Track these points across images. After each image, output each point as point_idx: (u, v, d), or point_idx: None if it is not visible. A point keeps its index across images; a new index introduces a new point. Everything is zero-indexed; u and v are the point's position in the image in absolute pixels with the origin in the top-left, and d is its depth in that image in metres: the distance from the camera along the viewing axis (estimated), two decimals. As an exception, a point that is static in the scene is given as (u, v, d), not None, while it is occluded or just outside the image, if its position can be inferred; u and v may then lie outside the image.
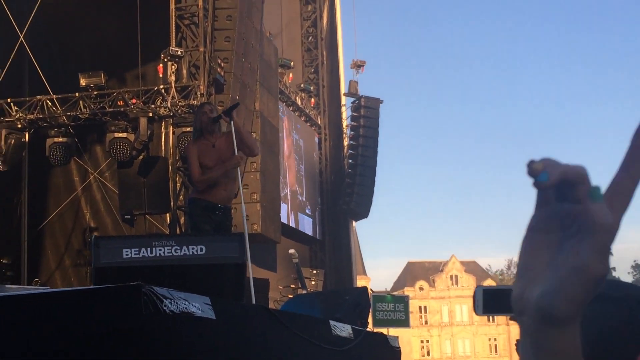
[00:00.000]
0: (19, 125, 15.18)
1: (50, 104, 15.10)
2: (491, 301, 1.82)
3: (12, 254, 15.74)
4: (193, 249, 4.57)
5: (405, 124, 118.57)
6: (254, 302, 5.87)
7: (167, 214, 14.82)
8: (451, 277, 69.83)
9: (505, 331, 66.07)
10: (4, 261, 15.25)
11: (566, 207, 0.79)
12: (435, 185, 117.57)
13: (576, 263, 0.76)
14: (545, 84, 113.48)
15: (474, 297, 1.84)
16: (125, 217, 14.54)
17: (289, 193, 20.88)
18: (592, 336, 1.62)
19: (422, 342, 68.17)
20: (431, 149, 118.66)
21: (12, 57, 15.25)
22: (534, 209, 0.82)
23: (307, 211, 22.98)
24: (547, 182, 0.78)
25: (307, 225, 22.90)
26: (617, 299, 1.66)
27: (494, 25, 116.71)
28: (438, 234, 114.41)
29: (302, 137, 23.29)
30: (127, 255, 4.43)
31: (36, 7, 15.25)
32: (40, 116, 15.15)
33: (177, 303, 3.39)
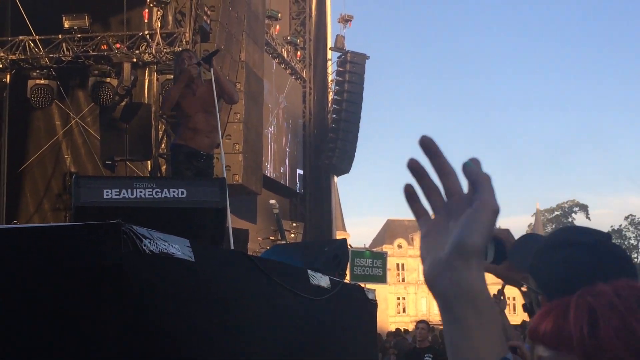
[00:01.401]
0: (0, 66, 14.98)
1: (32, 45, 14.91)
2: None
3: (-9, 195, 15.66)
4: (174, 192, 4.55)
5: (391, 81, 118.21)
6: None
7: (149, 161, 14.76)
8: (430, 236, 70.24)
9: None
10: (-18, 203, 15.18)
11: (447, 204, 0.96)
12: (417, 145, 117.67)
13: (475, 205, 0.92)
14: (530, 51, 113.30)
15: None
16: (106, 162, 14.48)
17: (270, 166, 20.78)
18: (563, 278, 1.64)
19: (398, 299, 68.83)
20: (415, 107, 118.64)
21: (-6, -4, 15.00)
22: (420, 229, 0.99)
23: (287, 164, 22.97)
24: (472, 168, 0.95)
25: (288, 178, 22.90)
26: (587, 243, 1.68)
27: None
28: (418, 192, 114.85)
29: (288, 96, 23.13)
30: (107, 195, 4.40)
31: (20, -55, 14.97)
32: (22, 57, 14.96)
33: (156, 243, 3.38)
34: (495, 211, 0.92)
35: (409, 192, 0.99)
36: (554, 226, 79.01)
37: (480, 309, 0.90)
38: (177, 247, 3.60)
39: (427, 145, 0.96)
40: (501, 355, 0.91)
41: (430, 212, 0.99)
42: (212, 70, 6.86)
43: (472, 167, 0.95)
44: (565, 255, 1.69)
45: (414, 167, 0.98)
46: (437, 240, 0.95)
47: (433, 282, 0.93)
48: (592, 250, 1.68)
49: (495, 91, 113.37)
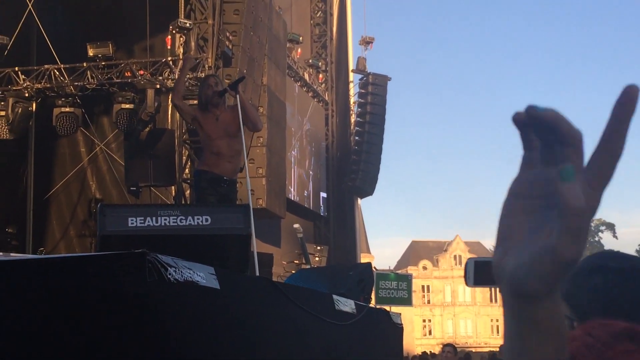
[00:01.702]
0: (26, 94, 15.16)
1: (57, 73, 15.07)
2: (482, 273, 1.79)
3: (18, 223, 15.79)
4: (198, 219, 4.56)
5: (413, 101, 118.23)
6: (257, 275, 5.87)
7: (173, 187, 14.82)
8: (455, 257, 69.91)
9: (507, 312, 66.07)
10: (9, 230, 15.30)
11: (551, 172, 0.76)
12: (441, 166, 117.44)
13: (548, 244, 0.75)
14: (559, 68, 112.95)
15: (465, 268, 1.82)
16: (131, 188, 14.55)
17: (294, 191, 20.78)
18: (599, 305, 1.62)
19: (424, 321, 68.42)
20: (438, 128, 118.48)
21: (20, 25, 15.21)
22: (518, 172, 0.80)
23: (311, 187, 22.97)
24: (538, 112, 0.75)
25: (312, 201, 22.89)
26: (623, 269, 1.66)
27: (507, 2, 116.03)
28: (443, 213, 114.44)
29: (312, 119, 23.19)
30: (132, 224, 4.41)
31: (45, -25, 15.19)
32: (48, 85, 15.13)
33: (181, 272, 3.38)
34: (571, 262, 0.74)
35: (521, 119, 0.76)
36: (580, 245, 78.05)
37: (542, 330, 0.79)
38: (202, 275, 3.59)
39: (543, 115, 0.75)
40: None
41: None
42: (237, 96, 6.87)
43: (565, 176, 0.73)
44: (600, 281, 1.67)
45: (526, 117, 0.75)
46: (518, 218, 0.79)
47: (498, 281, 0.81)
48: (626, 275, 1.66)
49: (517, 106, 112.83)
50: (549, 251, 0.75)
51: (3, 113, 14.81)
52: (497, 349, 19.06)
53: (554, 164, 0.76)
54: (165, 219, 4.46)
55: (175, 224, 4.48)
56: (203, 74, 13.91)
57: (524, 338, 0.81)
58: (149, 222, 4.43)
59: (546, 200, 0.77)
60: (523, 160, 0.80)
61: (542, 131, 0.76)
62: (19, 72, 15.19)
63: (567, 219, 0.73)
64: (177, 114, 14.75)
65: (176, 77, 14.31)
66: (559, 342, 0.81)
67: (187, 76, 14.25)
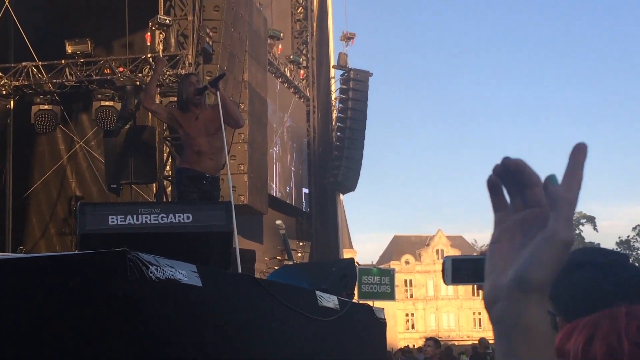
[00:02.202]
0: (4, 92, 15.04)
1: (35, 70, 14.95)
2: (460, 271, 1.79)
3: (-3, 222, 15.67)
4: (180, 217, 4.53)
5: (395, 97, 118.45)
6: (240, 272, 5.84)
7: (154, 184, 14.76)
8: (437, 251, 70.18)
9: (489, 306, 66.41)
10: (-12, 229, 15.18)
11: (524, 213, 0.90)
12: (422, 160, 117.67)
13: (546, 233, 0.86)
14: (533, 63, 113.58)
15: (443, 266, 1.82)
16: (111, 186, 14.47)
17: (275, 187, 20.72)
18: (580, 300, 1.62)
19: (407, 315, 68.65)
20: (419, 123, 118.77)
21: (-3, 22, 15.07)
22: (494, 229, 0.93)
23: (293, 183, 22.96)
24: (511, 161, 0.89)
25: (294, 197, 22.87)
26: (603, 264, 1.67)
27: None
28: (425, 208, 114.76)
29: (293, 115, 23.15)
30: (112, 222, 4.38)
31: (22, -28, 15.06)
32: (26, 83, 15.00)
33: (163, 270, 3.35)
34: (567, 243, 0.86)
35: (494, 182, 0.92)
36: (561, 239, 78.59)
37: (536, 345, 0.86)
38: (184, 273, 3.57)
39: (513, 162, 0.90)
40: None
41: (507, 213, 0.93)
42: (218, 94, 6.83)
43: (556, 185, 0.88)
44: (583, 277, 1.68)
45: (504, 168, 0.90)
46: (505, 253, 0.90)
47: (491, 307, 0.90)
48: (609, 270, 1.67)
49: (498, 102, 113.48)
50: (549, 237, 0.85)
51: (-20, 111, 14.69)
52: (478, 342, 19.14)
53: (527, 206, 0.90)
54: (146, 217, 4.42)
55: (157, 221, 4.44)
56: (184, 71, 13.84)
57: (517, 355, 0.87)
58: (129, 220, 4.40)
59: (526, 237, 0.89)
60: (496, 219, 0.93)
61: (513, 180, 0.90)
62: (-3, 70, 15.06)
63: (562, 208, 0.86)
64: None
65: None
66: (549, 354, 0.88)
67: (167, 72, 14.21)
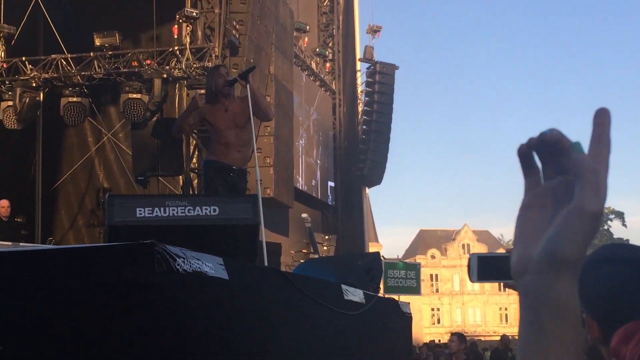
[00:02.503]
0: (34, 84, 15.15)
1: (64, 63, 15.06)
2: (486, 268, 1.78)
3: (27, 213, 15.81)
4: (206, 209, 4.54)
5: (421, 90, 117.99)
6: (266, 265, 5.86)
7: (180, 176, 14.82)
8: (463, 245, 69.87)
9: (516, 300, 65.91)
10: (18, 220, 15.31)
11: (558, 180, 0.86)
12: (449, 154, 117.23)
13: (572, 205, 0.82)
14: (557, 55, 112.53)
15: (469, 263, 1.80)
16: (139, 178, 14.54)
17: (302, 181, 20.71)
18: (607, 296, 1.61)
19: (432, 310, 68.46)
20: (446, 116, 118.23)
21: (27, 15, 15.19)
22: (523, 195, 0.89)
23: (319, 177, 22.96)
24: (548, 135, 0.85)
25: (320, 190, 22.88)
26: (632, 260, 1.65)
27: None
28: (451, 202, 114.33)
29: (319, 108, 23.13)
30: (140, 214, 4.40)
31: (51, -35, 15.18)
32: (55, 75, 15.11)
33: (190, 262, 3.37)
34: (595, 215, 0.82)
35: (525, 151, 0.88)
36: (589, 234, 77.86)
37: (564, 320, 0.83)
38: (211, 266, 3.58)
39: (550, 136, 0.85)
40: None
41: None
42: (248, 86, 6.83)
43: (580, 153, 0.83)
44: (609, 273, 1.66)
45: (541, 142, 0.86)
46: (535, 221, 0.87)
47: (519, 277, 0.87)
48: (636, 267, 1.65)
49: (524, 95, 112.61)
50: (575, 208, 0.82)
51: (11, 103, 14.81)
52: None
53: (558, 174, 0.86)
54: (173, 210, 4.45)
55: (184, 214, 4.47)
56: (210, 64, 13.88)
57: (544, 331, 0.84)
58: (157, 212, 4.42)
59: (558, 204, 0.85)
60: (526, 185, 0.89)
61: (547, 150, 0.87)
62: (26, 62, 15.18)
63: (587, 176, 0.82)
64: (185, 103, 14.75)
65: (183, 65, 14.30)
66: (577, 339, 0.84)
67: (194, 65, 14.23)
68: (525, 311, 0.87)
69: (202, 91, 13.80)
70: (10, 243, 9.36)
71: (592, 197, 0.82)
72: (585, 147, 0.85)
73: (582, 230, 0.82)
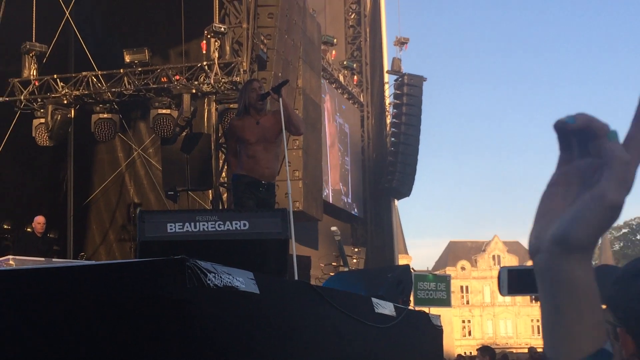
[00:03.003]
0: (65, 101, 15.34)
1: (95, 80, 15.23)
2: (516, 281, 1.76)
3: (59, 228, 16.00)
4: (236, 224, 4.56)
5: (449, 101, 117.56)
6: (296, 278, 5.87)
7: (210, 191, 14.89)
8: (493, 257, 69.38)
9: (547, 312, 65.34)
10: (50, 236, 15.50)
11: (587, 161, 0.84)
12: (478, 165, 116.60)
13: (594, 191, 0.81)
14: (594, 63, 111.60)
15: (499, 277, 1.79)
16: (169, 193, 14.65)
17: (330, 193, 20.61)
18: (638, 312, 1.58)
19: (463, 322, 67.96)
20: (474, 127, 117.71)
21: (58, 34, 15.40)
22: (556, 168, 0.88)
23: (348, 189, 22.95)
24: (573, 124, 0.84)
25: (348, 203, 22.86)
26: None
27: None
28: (481, 213, 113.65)
29: (347, 119, 23.13)
30: (171, 229, 4.43)
31: (82, -16, 15.38)
32: (86, 92, 15.28)
33: (220, 277, 3.39)
34: (615, 206, 0.80)
35: (561, 125, 0.86)
36: (621, 244, 77.21)
37: (578, 299, 0.83)
38: (242, 280, 3.60)
39: (577, 125, 0.84)
40: (599, 344, 0.85)
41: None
42: (280, 100, 6.83)
43: (615, 142, 0.82)
44: None
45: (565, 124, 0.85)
46: (558, 199, 0.86)
47: (533, 255, 0.87)
48: None
49: (556, 104, 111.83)
50: (596, 196, 0.81)
51: (43, 120, 15.00)
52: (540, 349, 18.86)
53: (589, 155, 0.85)
54: (203, 224, 4.47)
55: (214, 229, 4.49)
56: (238, 78, 13.96)
57: (561, 311, 0.84)
58: (187, 227, 4.45)
59: (584, 185, 0.84)
60: (560, 159, 0.88)
61: (579, 133, 0.85)
62: (58, 80, 15.38)
63: (615, 166, 0.81)
64: (214, 118, 14.84)
65: (212, 81, 14.38)
66: (595, 319, 0.84)
67: (222, 80, 14.31)
68: (541, 293, 0.87)
69: (230, 105, 13.91)
70: (43, 259, 9.47)
71: (617, 188, 0.80)
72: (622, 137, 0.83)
73: (599, 219, 0.81)
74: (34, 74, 15.34)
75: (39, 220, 12.40)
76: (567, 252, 0.82)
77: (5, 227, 15.25)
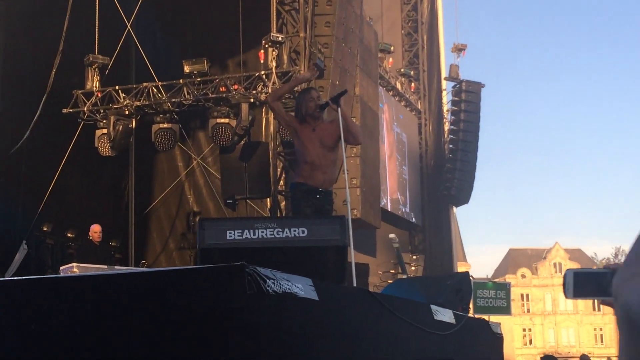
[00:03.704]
0: (127, 112, 15.62)
1: (155, 90, 15.48)
2: (582, 284, 1.73)
3: (121, 236, 16.31)
4: (295, 231, 4.59)
5: (508, 107, 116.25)
6: (354, 286, 5.87)
7: (268, 199, 14.99)
8: (554, 264, 68.28)
9: (611, 320, 64.13)
10: (112, 244, 15.82)
11: None
12: (538, 171, 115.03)
13: None
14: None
15: (564, 279, 1.75)
16: (228, 201, 14.79)
17: (388, 203, 20.54)
18: None
19: (524, 330, 67.02)
20: (534, 132, 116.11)
21: (119, 46, 15.71)
22: None
23: (407, 197, 22.86)
24: None
25: (407, 210, 22.77)
26: None
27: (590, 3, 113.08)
28: (541, 220, 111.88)
29: (405, 128, 23.06)
30: (230, 236, 4.49)
31: (142, -4, 15.67)
32: (147, 103, 15.54)
33: (280, 283, 3.41)
34: None
35: None
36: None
37: None
38: (300, 287, 3.62)
39: None
40: None
41: None
42: (339, 110, 6.84)
43: None
44: None
45: None
46: None
47: (618, 291, 0.79)
48: None
49: (620, 106, 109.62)
50: None
51: (105, 131, 15.31)
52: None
53: None
54: (262, 232, 4.52)
55: (273, 236, 4.53)
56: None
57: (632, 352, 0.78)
58: (246, 234, 4.50)
59: None
60: None
61: None
62: (120, 91, 15.67)
63: None
64: (271, 127, 14.94)
65: (270, 90, 14.51)
66: None
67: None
68: (622, 327, 0.81)
69: (291, 113, 13.97)
70: (105, 266, 9.67)
71: None
72: None
73: None
74: (97, 85, 15.66)
75: (95, 229, 12.69)
76: (635, 329, 0.75)
77: (69, 235, 15.61)
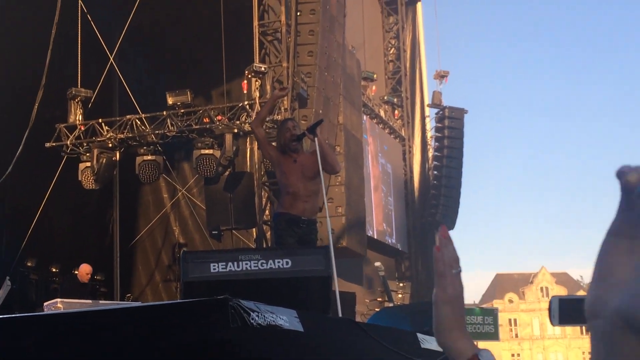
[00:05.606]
0: (110, 145, 15.59)
1: (139, 122, 15.47)
2: (568, 311, 1.73)
3: (105, 270, 16.18)
4: (279, 262, 4.59)
5: (491, 133, 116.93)
6: (340, 315, 5.85)
7: (254, 229, 14.96)
8: (541, 289, 68.36)
9: (599, 344, 64.07)
10: (97, 277, 15.68)
11: None
12: (522, 196, 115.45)
13: None
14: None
15: (550, 306, 1.75)
16: (213, 232, 14.76)
17: (375, 233, 20.52)
18: None
19: (512, 355, 66.89)
20: (518, 158, 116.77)
21: (102, 78, 15.72)
22: (617, 212, 0.77)
23: (392, 224, 22.86)
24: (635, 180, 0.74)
25: (392, 238, 22.77)
26: None
27: (578, 28, 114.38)
28: (527, 245, 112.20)
29: (389, 159, 23.11)
30: (214, 269, 4.48)
31: (124, 29, 15.71)
32: (130, 135, 15.52)
33: (264, 316, 3.40)
34: None
35: (623, 179, 0.74)
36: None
37: None
38: (285, 318, 3.61)
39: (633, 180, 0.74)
40: None
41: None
42: (316, 140, 6.86)
43: None
44: None
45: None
46: (621, 254, 0.75)
47: (591, 318, 0.77)
48: None
49: (600, 133, 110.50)
50: None
51: (89, 164, 15.25)
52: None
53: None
54: (246, 264, 4.51)
55: (257, 268, 4.52)
56: (280, 117, 14.07)
57: None
58: (230, 267, 4.49)
59: None
60: (621, 203, 0.77)
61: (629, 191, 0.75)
62: (103, 124, 15.65)
63: None
64: (256, 157, 14.95)
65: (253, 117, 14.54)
66: None
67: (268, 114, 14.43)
68: (594, 349, 0.79)
69: (273, 143, 13.98)
70: (90, 301, 9.58)
71: None
72: None
73: None
74: (80, 119, 15.64)
75: (87, 270, 12.02)
76: (634, 331, 0.73)
77: (53, 270, 15.48)
